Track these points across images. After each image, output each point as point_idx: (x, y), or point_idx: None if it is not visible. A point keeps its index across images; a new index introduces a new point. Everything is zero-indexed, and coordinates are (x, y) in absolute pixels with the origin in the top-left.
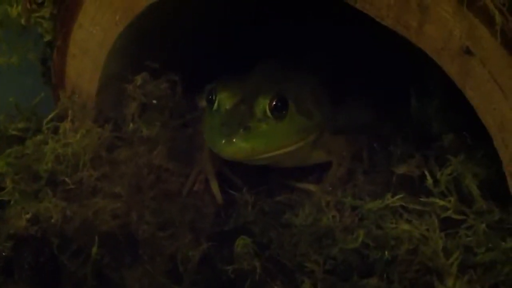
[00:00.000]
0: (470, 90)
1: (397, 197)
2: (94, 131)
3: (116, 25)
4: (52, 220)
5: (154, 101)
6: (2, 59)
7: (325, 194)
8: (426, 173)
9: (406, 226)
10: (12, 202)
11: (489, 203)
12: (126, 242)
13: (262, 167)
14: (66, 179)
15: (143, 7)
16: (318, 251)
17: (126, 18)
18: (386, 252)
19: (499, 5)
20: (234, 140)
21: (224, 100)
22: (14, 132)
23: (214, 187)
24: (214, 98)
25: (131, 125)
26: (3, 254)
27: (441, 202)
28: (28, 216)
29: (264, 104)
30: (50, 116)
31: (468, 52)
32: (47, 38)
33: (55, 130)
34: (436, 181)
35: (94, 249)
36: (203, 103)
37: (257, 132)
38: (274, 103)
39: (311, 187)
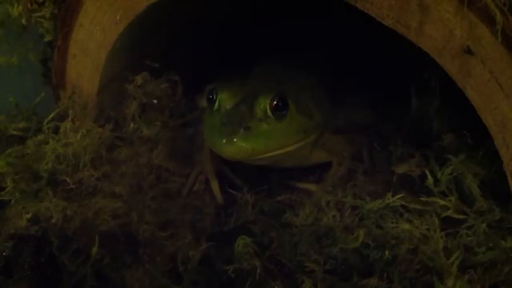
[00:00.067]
0: (470, 89)
1: (398, 196)
2: (95, 131)
3: (116, 25)
4: (53, 220)
5: (155, 101)
6: (2, 59)
7: (325, 193)
8: (427, 172)
9: (406, 226)
10: (12, 202)
11: (490, 203)
12: (126, 242)
13: (263, 167)
14: (67, 179)
15: (144, 7)
16: (319, 250)
17: (127, 18)
18: (387, 252)
19: (500, 5)
20: (234, 140)
21: (225, 100)
22: (14, 132)
23: (215, 187)
24: (214, 98)
25: (131, 125)
26: (3, 254)
27: (442, 202)
28: (28, 216)
29: (264, 104)
30: (50, 116)
31: (468, 51)
32: (48, 38)
33: (56, 130)
34: (436, 181)
35: (94, 249)
36: (203, 103)
37: (257, 132)
38: (275, 103)
39: (312, 186)
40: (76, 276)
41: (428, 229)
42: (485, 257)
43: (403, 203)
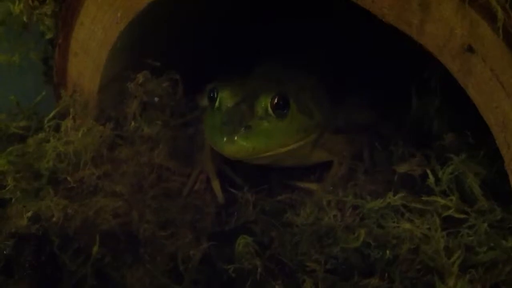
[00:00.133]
0: (472, 88)
1: (399, 196)
2: (96, 130)
3: (117, 24)
4: (53, 219)
5: (156, 99)
6: (3, 58)
7: (326, 193)
8: (428, 172)
9: (407, 225)
10: (13, 201)
11: (491, 202)
12: (127, 241)
13: (263, 167)
14: (68, 178)
15: (144, 5)
16: (319, 250)
17: (127, 16)
18: (388, 252)
19: (501, 2)
20: (235, 139)
21: (226, 99)
22: (15, 130)
23: (216, 186)
24: (215, 97)
25: (132, 123)
26: (4, 252)
27: (443, 201)
28: (29, 214)
29: (266, 102)
30: (51, 114)
31: (469, 49)
32: (49, 35)
33: (57, 129)
34: (437, 180)
35: (95, 248)
36: (204, 103)
37: (258, 131)
38: (276, 101)
39: (312, 186)
40: (77, 275)
41: (429, 229)
42: (486, 257)
43: (404, 202)
